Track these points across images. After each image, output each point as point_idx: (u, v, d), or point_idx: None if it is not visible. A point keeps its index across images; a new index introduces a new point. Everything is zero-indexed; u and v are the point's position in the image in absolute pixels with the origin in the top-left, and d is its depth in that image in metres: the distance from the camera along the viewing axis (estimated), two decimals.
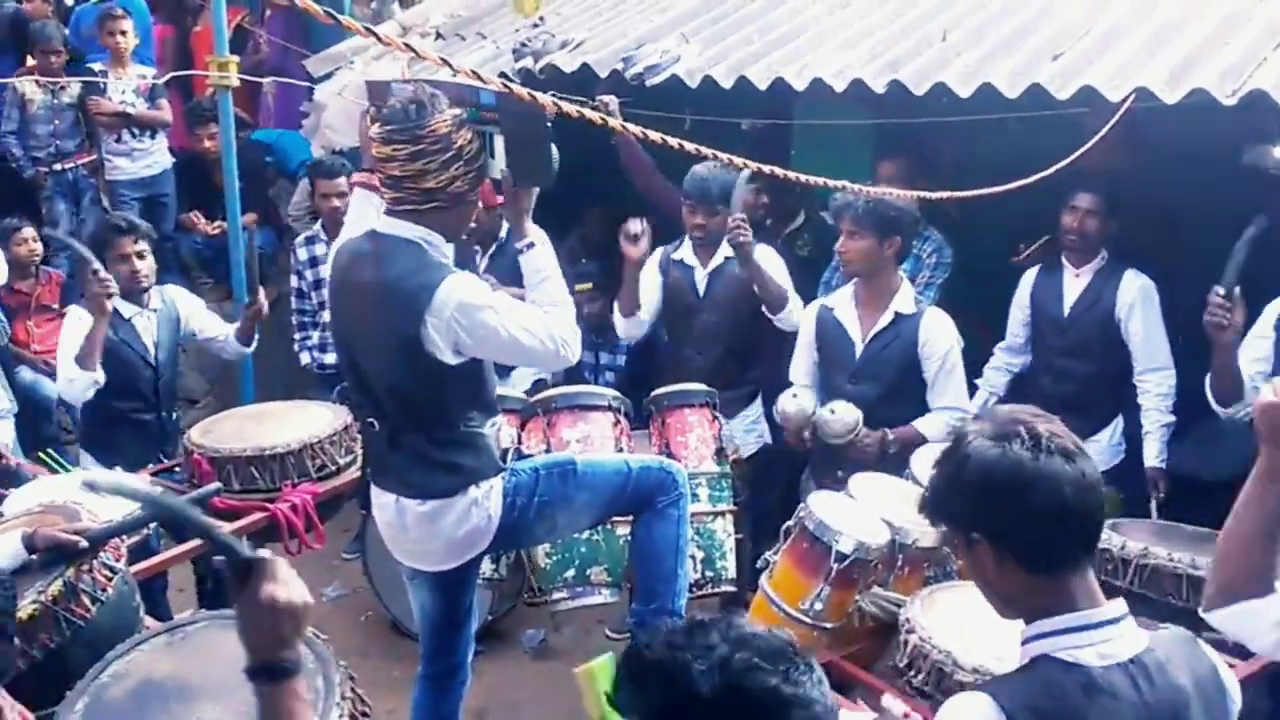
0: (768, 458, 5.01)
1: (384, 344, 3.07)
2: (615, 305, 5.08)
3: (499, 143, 3.07)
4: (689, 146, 3.06)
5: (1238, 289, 3.79)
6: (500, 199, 5.01)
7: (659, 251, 5.15)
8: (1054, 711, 1.77)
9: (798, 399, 4.42)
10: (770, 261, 4.88)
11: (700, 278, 4.97)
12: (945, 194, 3.76)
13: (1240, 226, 4.75)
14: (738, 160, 3.31)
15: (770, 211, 5.69)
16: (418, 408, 3.14)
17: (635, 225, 4.83)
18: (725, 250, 4.91)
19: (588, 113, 2.73)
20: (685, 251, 5.03)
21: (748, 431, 4.92)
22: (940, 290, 5.03)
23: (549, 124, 2.90)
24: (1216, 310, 3.78)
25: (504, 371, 4.97)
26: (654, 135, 3.00)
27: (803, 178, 3.47)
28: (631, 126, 2.97)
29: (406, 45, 2.46)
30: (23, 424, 5.35)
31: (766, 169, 3.27)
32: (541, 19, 6.28)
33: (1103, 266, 4.62)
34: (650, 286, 5.08)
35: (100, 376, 4.55)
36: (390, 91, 3.14)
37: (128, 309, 4.76)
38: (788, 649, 1.64)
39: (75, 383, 4.55)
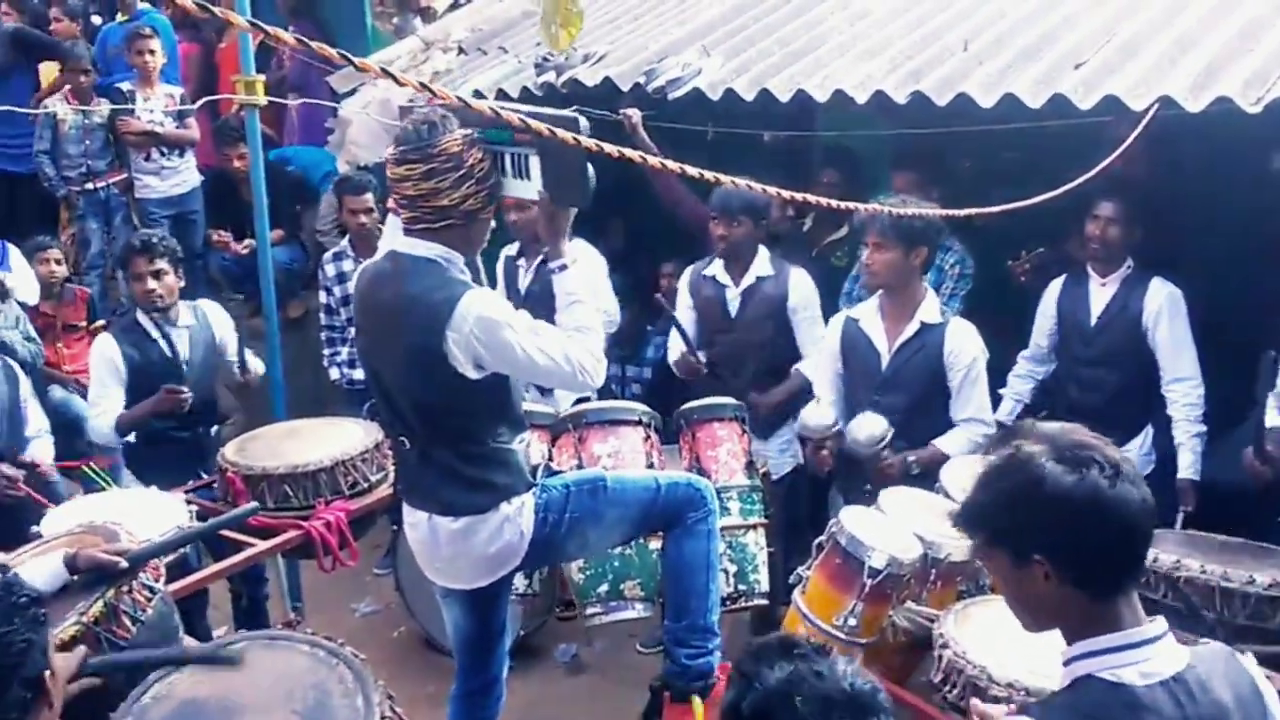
0: (796, 472, 5.04)
1: (408, 360, 3.09)
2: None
3: (534, 164, 3.07)
4: (708, 175, 3.06)
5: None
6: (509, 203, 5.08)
7: (688, 270, 5.18)
8: None
9: (819, 409, 4.40)
10: (801, 286, 4.95)
11: (732, 296, 5.00)
12: (972, 210, 3.75)
13: (1262, 231, 4.75)
14: (770, 188, 3.31)
15: (814, 218, 5.72)
16: (445, 423, 3.16)
17: None
18: (757, 269, 4.95)
19: (628, 152, 2.73)
20: (716, 268, 5.05)
21: (781, 451, 4.96)
22: (964, 301, 5.04)
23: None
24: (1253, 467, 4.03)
25: (548, 389, 5.00)
26: (688, 170, 2.99)
27: (827, 201, 3.47)
28: (671, 164, 2.96)
29: (423, 85, 2.45)
30: (57, 441, 5.41)
31: (794, 195, 3.27)
32: None
33: (1129, 275, 4.61)
34: (684, 308, 5.13)
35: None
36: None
37: (156, 328, 4.81)
38: (842, 697, 1.68)
39: (105, 437, 4.80)
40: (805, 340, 4.97)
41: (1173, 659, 1.85)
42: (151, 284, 4.76)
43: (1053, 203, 4.08)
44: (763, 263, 4.99)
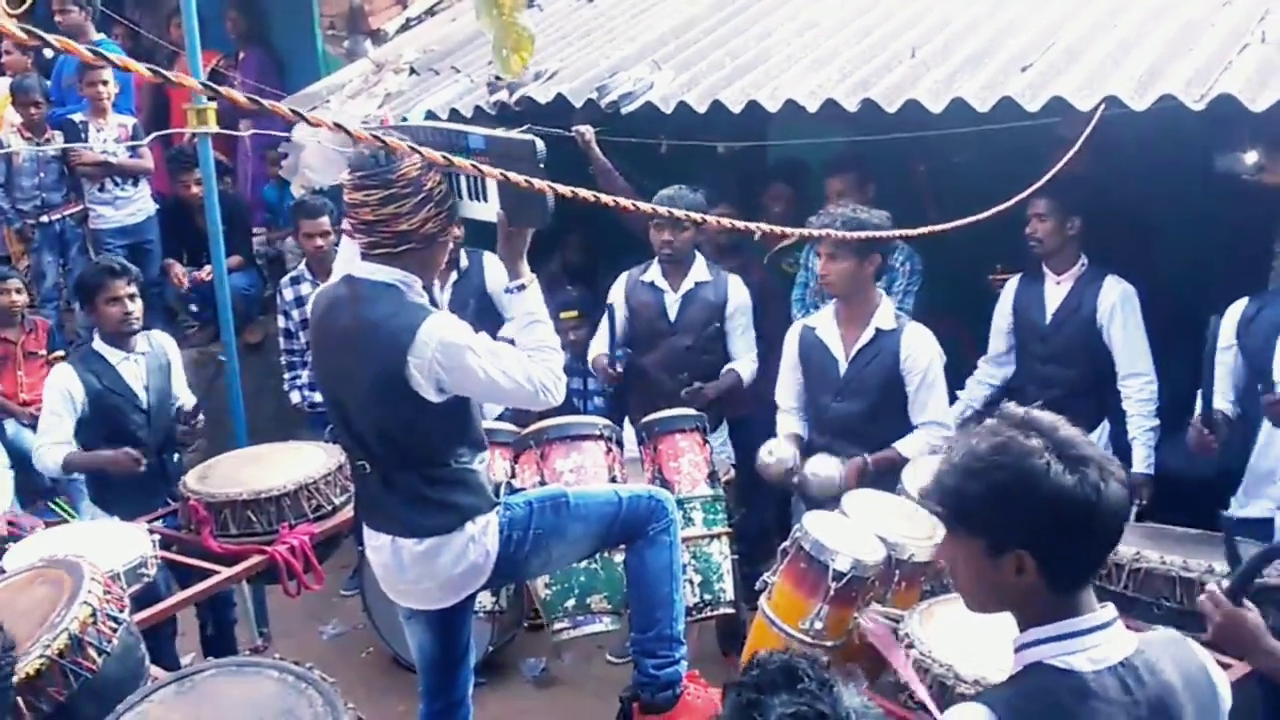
0: (755, 479, 5.08)
1: (369, 386, 3.07)
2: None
3: (491, 185, 3.05)
4: (662, 210, 3.11)
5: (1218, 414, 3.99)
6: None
7: (624, 276, 5.22)
8: (1048, 717, 1.81)
9: (775, 454, 4.40)
10: (740, 292, 5.04)
11: (671, 301, 5.07)
12: (924, 229, 3.79)
13: (1210, 230, 4.83)
14: (712, 219, 3.34)
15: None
16: (407, 447, 3.14)
17: None
18: (695, 274, 5.02)
19: (581, 192, 2.73)
20: (654, 274, 5.11)
21: (716, 454, 4.95)
22: (915, 298, 5.10)
23: (542, 165, 2.89)
24: (1200, 436, 3.98)
25: None
26: (643, 206, 3.03)
27: (774, 229, 3.50)
28: (624, 202, 2.98)
29: (337, 125, 2.41)
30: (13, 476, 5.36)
31: (742, 225, 3.30)
32: None
33: (1083, 273, 4.67)
34: (618, 313, 5.18)
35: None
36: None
37: (114, 355, 4.77)
38: None
39: (49, 470, 4.78)
40: (737, 344, 5.08)
41: (1121, 644, 1.88)
42: (130, 305, 4.75)
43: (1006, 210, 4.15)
44: (700, 268, 5.06)
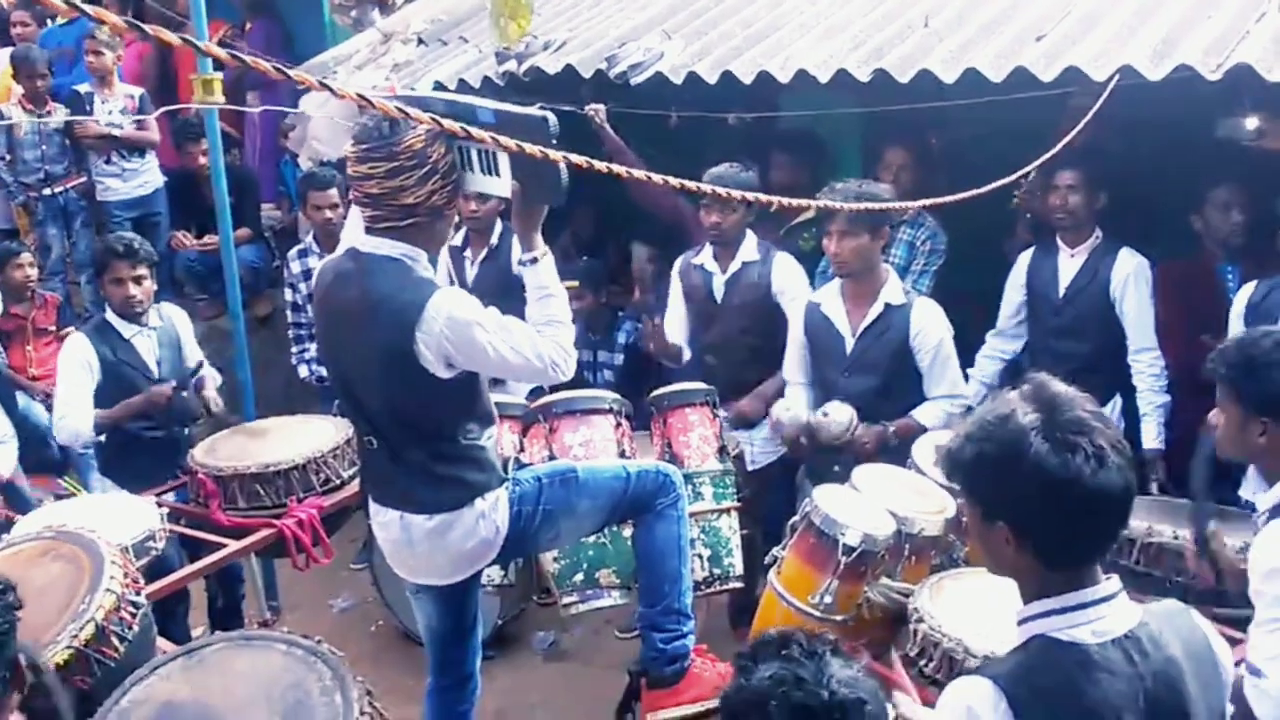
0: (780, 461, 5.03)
1: (377, 362, 3.04)
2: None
3: (504, 160, 2.99)
4: (674, 181, 3.04)
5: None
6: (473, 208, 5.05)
7: (680, 259, 5.18)
8: (1053, 690, 1.81)
9: (790, 409, 4.41)
10: (786, 270, 4.90)
11: (719, 284, 4.97)
12: (937, 199, 3.76)
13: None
14: (722, 191, 3.31)
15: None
16: (415, 423, 3.12)
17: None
18: (743, 255, 4.92)
19: (599, 164, 2.68)
20: (705, 256, 5.02)
21: (766, 441, 4.89)
22: (934, 276, 5.05)
23: (554, 140, 2.82)
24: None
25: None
26: (654, 177, 2.98)
27: (783, 200, 3.47)
28: (638, 173, 2.93)
29: (362, 97, 2.36)
30: (22, 451, 5.36)
31: (752, 197, 3.26)
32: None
33: (1098, 245, 4.63)
34: (676, 296, 5.14)
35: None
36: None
37: (127, 329, 4.77)
38: (819, 705, 1.70)
39: (79, 438, 4.70)
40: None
41: (1126, 616, 1.88)
42: (133, 289, 4.72)
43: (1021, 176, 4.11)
44: (749, 248, 4.94)
